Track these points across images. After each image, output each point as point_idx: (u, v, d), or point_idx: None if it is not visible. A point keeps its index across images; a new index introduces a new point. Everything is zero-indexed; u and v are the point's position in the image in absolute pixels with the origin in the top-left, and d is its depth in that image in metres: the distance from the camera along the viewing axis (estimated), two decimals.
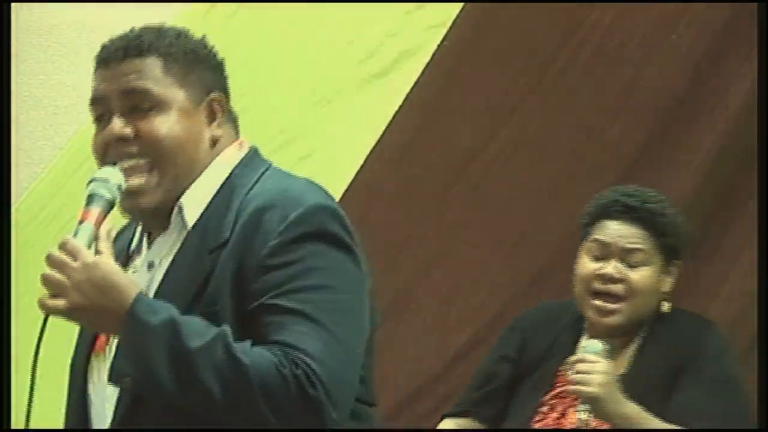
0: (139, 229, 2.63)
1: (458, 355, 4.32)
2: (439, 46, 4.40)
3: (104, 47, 2.55)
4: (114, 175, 2.47)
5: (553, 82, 4.38)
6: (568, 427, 3.39)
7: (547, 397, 3.43)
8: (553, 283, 4.09)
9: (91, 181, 2.47)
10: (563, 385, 3.40)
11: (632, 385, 3.29)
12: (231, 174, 2.56)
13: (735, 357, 3.46)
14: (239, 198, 2.52)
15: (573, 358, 3.32)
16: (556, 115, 4.36)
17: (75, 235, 2.40)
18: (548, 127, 4.36)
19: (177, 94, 2.53)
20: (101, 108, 2.52)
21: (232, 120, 2.61)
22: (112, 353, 2.51)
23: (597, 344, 3.31)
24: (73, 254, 2.36)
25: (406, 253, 4.38)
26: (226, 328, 2.40)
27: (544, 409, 3.42)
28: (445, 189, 4.38)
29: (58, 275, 2.36)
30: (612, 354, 3.38)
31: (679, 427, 3.26)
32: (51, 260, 2.37)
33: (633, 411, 3.25)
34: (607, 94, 4.35)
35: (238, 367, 2.37)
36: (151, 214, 2.54)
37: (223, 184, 2.55)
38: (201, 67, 2.58)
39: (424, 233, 4.41)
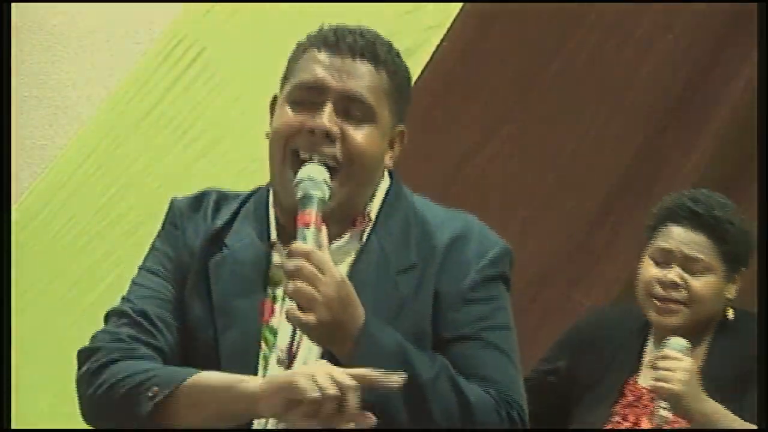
0: (272, 219, 2.51)
1: None
2: (438, 46, 4.35)
3: (334, 33, 2.49)
4: (320, 172, 2.39)
5: (551, 83, 4.33)
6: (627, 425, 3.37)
7: (618, 407, 3.39)
8: (552, 283, 4.09)
9: (299, 182, 2.39)
10: (634, 395, 3.38)
11: (704, 385, 3.25)
12: (386, 195, 2.53)
13: None
14: (410, 220, 2.51)
15: (656, 354, 3.27)
16: (554, 116, 4.32)
17: (304, 240, 2.34)
18: (546, 127, 4.32)
19: (385, 116, 2.47)
20: (312, 94, 2.44)
21: (397, 152, 2.57)
22: (270, 364, 2.44)
23: (681, 341, 3.27)
24: (322, 267, 2.31)
25: None
26: (445, 360, 2.41)
27: (616, 419, 3.38)
28: (443, 188, 4.24)
29: (310, 289, 2.30)
30: None
31: (755, 427, 3.20)
32: (304, 273, 2.30)
33: (714, 409, 3.20)
34: (604, 95, 4.31)
35: (465, 403, 2.38)
36: (332, 214, 2.43)
37: (383, 203, 2.52)
38: (406, 97, 2.54)
39: None
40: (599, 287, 4.14)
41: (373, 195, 2.51)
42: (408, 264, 2.45)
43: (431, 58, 4.34)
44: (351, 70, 2.44)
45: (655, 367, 3.24)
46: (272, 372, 2.42)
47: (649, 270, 3.39)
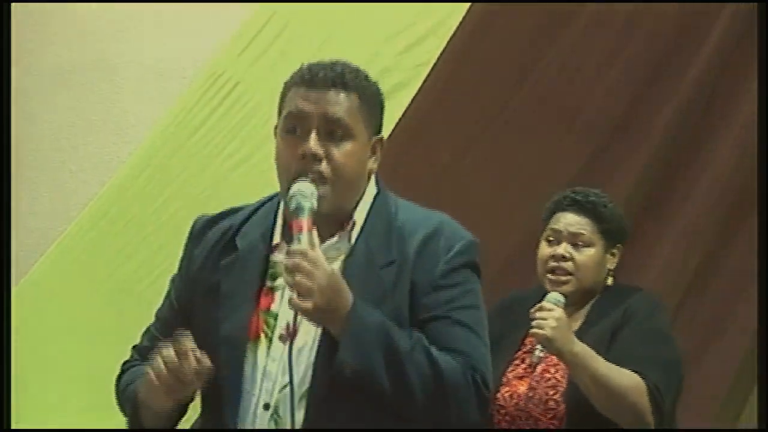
0: (278, 226, 2.58)
1: None
2: (425, 81, 4.45)
3: (310, 71, 2.55)
4: (311, 188, 2.46)
5: (517, 107, 4.42)
6: (535, 374, 3.38)
7: (519, 353, 3.44)
8: (517, 271, 4.09)
9: (292, 196, 2.47)
10: (531, 346, 3.42)
11: (584, 337, 3.31)
12: (374, 201, 2.59)
13: (666, 316, 3.49)
14: (391, 222, 2.55)
15: (533, 308, 3.33)
16: (517, 136, 4.40)
17: (299, 242, 2.41)
18: (512, 144, 4.40)
19: (362, 130, 2.54)
20: (298, 123, 2.51)
21: (378, 158, 2.64)
22: (273, 344, 2.49)
23: (556, 295, 3.38)
24: (315, 263, 2.38)
25: None
26: (421, 335, 2.46)
27: (516, 361, 3.43)
28: (429, 196, 3.93)
29: (307, 281, 2.37)
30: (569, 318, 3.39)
31: (614, 366, 3.23)
32: (301, 268, 2.37)
33: (581, 350, 3.24)
34: (559, 118, 4.40)
35: (437, 370, 2.43)
36: (321, 220, 2.49)
37: (371, 209, 2.57)
38: (379, 110, 2.62)
39: None
40: None
41: (359, 200, 2.55)
42: (389, 260, 2.49)
43: (419, 90, 4.41)
44: (327, 98, 2.50)
45: (532, 318, 3.29)
46: (275, 347, 2.48)
47: (544, 249, 3.48)
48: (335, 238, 2.55)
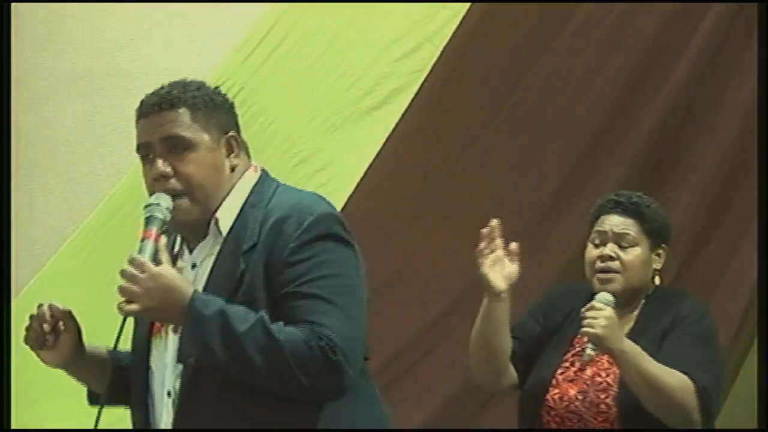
0: (179, 239, 2.68)
1: (435, 321, 4.37)
2: (421, 86, 4.48)
3: (142, 103, 2.64)
4: (165, 199, 2.55)
5: (508, 114, 4.44)
6: (584, 376, 3.35)
7: (568, 355, 3.41)
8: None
9: (147, 206, 2.55)
10: (581, 346, 3.37)
11: (635, 339, 3.28)
12: (251, 192, 2.62)
13: (714, 322, 3.44)
14: (261, 210, 2.57)
15: (585, 307, 3.30)
16: (509, 139, 4.43)
17: (140, 251, 2.49)
18: (503, 148, 4.43)
19: (203, 137, 2.58)
20: (146, 151, 2.61)
21: (246, 150, 2.67)
22: (168, 336, 2.59)
23: (606, 295, 3.34)
24: (140, 267, 2.45)
25: (395, 243, 4.41)
26: (264, 314, 2.48)
27: (566, 364, 3.39)
28: (425, 196, 4.43)
29: (131, 286, 2.45)
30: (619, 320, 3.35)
31: (663, 366, 3.22)
32: (124, 274, 2.46)
33: (631, 348, 3.22)
34: (548, 123, 4.42)
35: (275, 343, 2.45)
36: (190, 227, 2.60)
37: (247, 199, 2.61)
38: (218, 112, 2.63)
39: (409, 229, 4.44)
40: (545, 267, 4.18)
41: (226, 196, 2.59)
42: (251, 244, 2.53)
43: (416, 95, 4.43)
44: (160, 122, 2.58)
45: (583, 316, 3.26)
46: (171, 339, 2.58)
47: (591, 251, 3.43)
48: (207, 238, 2.61)
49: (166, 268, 2.48)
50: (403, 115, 4.47)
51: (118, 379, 2.70)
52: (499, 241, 3.31)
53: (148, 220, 2.54)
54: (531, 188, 4.40)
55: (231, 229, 2.59)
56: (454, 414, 4.29)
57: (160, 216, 2.53)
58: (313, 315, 2.49)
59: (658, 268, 3.49)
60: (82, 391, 4.27)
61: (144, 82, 4.78)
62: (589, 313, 3.26)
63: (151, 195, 2.61)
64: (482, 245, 3.30)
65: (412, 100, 4.47)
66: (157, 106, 2.60)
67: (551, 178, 4.37)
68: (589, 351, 3.29)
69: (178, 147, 2.57)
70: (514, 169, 4.43)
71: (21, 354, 4.23)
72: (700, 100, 4.32)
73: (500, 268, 3.29)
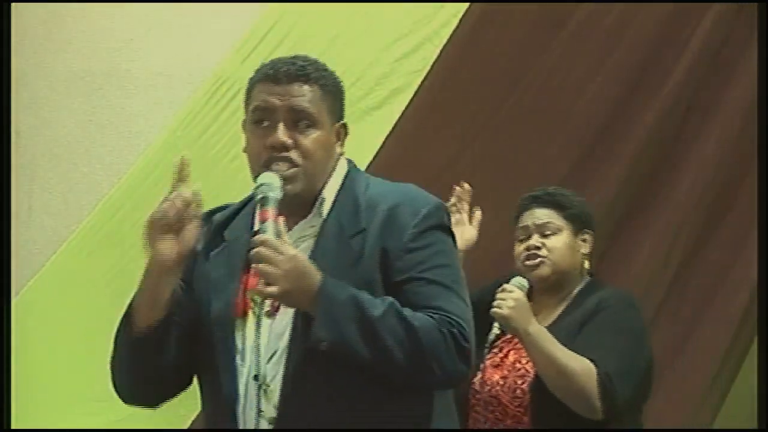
0: (257, 215, 2.54)
1: None
2: (420, 86, 4.49)
3: (273, 66, 2.60)
4: (276, 179, 2.51)
5: (508, 113, 4.45)
6: (507, 362, 3.39)
7: (499, 341, 3.44)
8: (507, 268, 3.92)
9: (258, 186, 2.50)
10: (510, 335, 3.40)
11: (556, 330, 3.33)
12: (345, 179, 2.62)
13: (638, 316, 3.43)
14: (360, 197, 2.57)
15: (498, 289, 3.35)
16: (509, 138, 4.45)
17: (264, 232, 2.44)
18: (503, 147, 4.44)
19: (325, 118, 2.58)
20: (266, 115, 2.56)
21: (344, 141, 2.67)
22: (261, 319, 2.51)
23: (520, 279, 3.40)
24: (277, 249, 2.41)
25: None
26: (393, 299, 2.46)
27: (495, 350, 3.43)
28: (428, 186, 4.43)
29: (269, 268, 2.40)
30: (546, 311, 3.44)
31: (568, 351, 3.24)
32: (262, 256, 2.41)
33: (537, 330, 3.27)
34: (548, 122, 4.43)
35: (411, 329, 2.43)
36: (294, 203, 2.54)
37: (342, 185, 2.60)
38: (340, 98, 2.64)
39: None
40: None
41: (328, 179, 2.59)
42: (358, 229, 2.52)
43: (415, 95, 4.45)
44: (290, 91, 2.55)
45: (493, 297, 3.31)
46: (263, 322, 2.51)
47: (518, 247, 3.50)
48: (309, 217, 2.59)
49: (298, 251, 2.45)
50: (403, 114, 4.49)
51: (169, 333, 2.58)
52: (466, 205, 3.43)
53: (264, 201, 2.49)
54: (531, 188, 4.16)
55: (330, 212, 2.58)
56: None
57: (274, 195, 2.49)
58: (440, 301, 2.48)
59: (586, 252, 3.52)
60: (82, 391, 4.38)
61: (144, 82, 5.08)
62: (499, 295, 3.32)
63: (255, 164, 2.57)
64: (451, 201, 3.38)
65: (412, 100, 4.49)
66: (293, 76, 2.57)
67: (551, 177, 4.25)
68: (495, 331, 3.35)
69: (303, 122, 2.56)
70: (513, 168, 4.42)
71: (21, 354, 4.42)
72: (700, 100, 4.33)
73: (461, 232, 3.34)
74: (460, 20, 4.47)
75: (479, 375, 3.39)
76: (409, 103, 4.48)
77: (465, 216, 3.42)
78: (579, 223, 3.52)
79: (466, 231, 3.42)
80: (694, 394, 4.13)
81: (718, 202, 4.28)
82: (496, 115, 4.45)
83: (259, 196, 2.50)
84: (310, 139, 2.56)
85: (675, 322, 4.21)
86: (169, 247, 2.49)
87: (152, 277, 2.53)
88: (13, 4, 4.89)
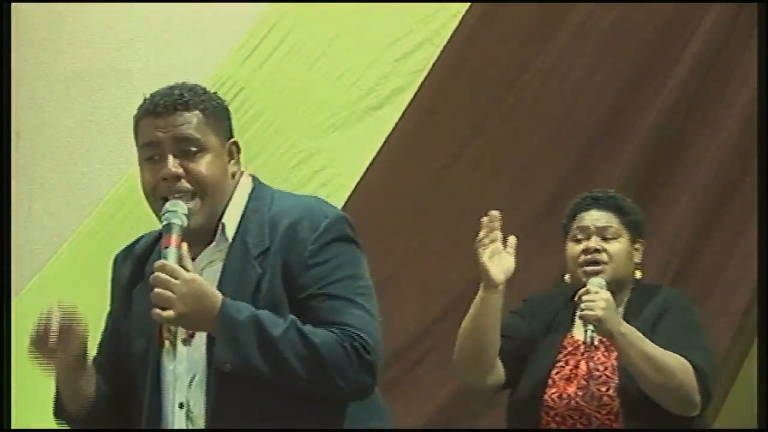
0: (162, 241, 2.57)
1: (435, 321, 4.37)
2: (421, 86, 4.49)
3: (152, 101, 2.60)
4: (181, 206, 2.52)
5: (506, 114, 4.44)
6: (580, 373, 3.34)
7: (561, 355, 3.40)
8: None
9: (164, 213, 2.51)
10: (572, 345, 3.38)
11: None
12: (249, 197, 2.62)
13: (698, 309, 3.46)
14: (265, 214, 2.57)
15: (580, 292, 3.29)
16: (508, 138, 4.44)
17: (165, 258, 2.45)
18: (502, 147, 4.44)
19: (213, 140, 2.58)
20: (154, 150, 2.57)
21: (238, 159, 2.67)
22: (177, 348, 2.56)
23: (599, 279, 3.34)
24: (173, 274, 2.42)
25: (395, 243, 4.42)
26: (294, 318, 2.47)
27: (560, 363, 3.38)
28: (425, 195, 4.44)
29: (165, 292, 2.41)
30: None
31: (661, 348, 3.21)
32: (157, 281, 2.42)
33: (629, 330, 3.22)
34: (547, 123, 4.42)
35: (312, 346, 2.44)
36: (198, 232, 2.56)
37: (247, 205, 2.60)
38: (224, 118, 2.64)
39: (409, 228, 4.46)
40: (544, 267, 4.09)
41: (229, 201, 2.59)
42: (262, 248, 2.53)
43: (415, 95, 4.46)
44: (172, 122, 2.55)
45: (579, 300, 3.25)
46: (180, 351, 2.56)
47: (574, 247, 3.44)
48: (214, 242, 2.59)
49: (196, 275, 2.46)
50: (403, 114, 4.48)
51: (100, 402, 2.67)
52: (498, 233, 3.30)
53: (168, 228, 2.50)
54: (530, 188, 4.39)
55: (236, 234, 2.58)
56: (454, 414, 4.29)
57: (179, 222, 2.50)
58: (341, 316, 2.49)
59: (638, 261, 3.49)
60: None
61: (144, 82, 4.94)
62: (585, 297, 3.25)
63: (151, 198, 2.59)
64: (482, 234, 3.29)
65: (412, 100, 4.49)
66: (171, 107, 2.57)
67: (550, 177, 4.36)
68: (590, 333, 3.25)
69: (191, 148, 2.56)
70: (513, 168, 4.43)
71: (21, 354, 4.36)
72: (700, 100, 4.31)
73: (499, 261, 3.28)
74: (460, 20, 4.47)
75: (551, 390, 3.34)
76: (410, 103, 4.47)
77: (500, 243, 3.29)
78: (635, 230, 3.49)
79: (504, 260, 3.30)
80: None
81: (718, 202, 4.27)
82: (495, 115, 4.45)
83: (164, 223, 2.51)
84: (202, 164, 2.55)
85: None
86: (57, 360, 2.56)
87: (58, 379, 2.63)
88: (13, 4, 4.89)
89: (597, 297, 3.24)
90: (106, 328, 2.78)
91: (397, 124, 4.47)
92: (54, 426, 4.24)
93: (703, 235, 4.28)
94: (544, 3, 4.43)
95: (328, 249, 2.53)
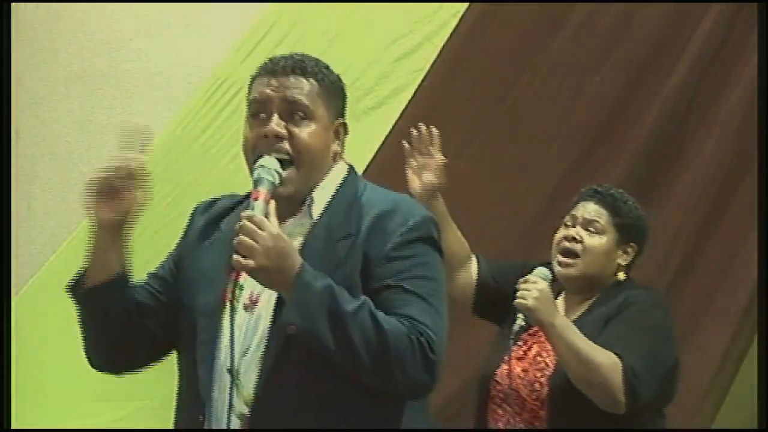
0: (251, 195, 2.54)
1: None
2: (420, 85, 4.49)
3: (272, 61, 2.59)
4: (274, 163, 2.49)
5: (507, 113, 4.45)
6: (530, 355, 3.36)
7: (526, 334, 3.40)
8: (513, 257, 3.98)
9: (255, 168, 2.48)
10: (535, 329, 3.36)
11: (583, 325, 3.28)
12: (342, 182, 2.59)
13: (666, 315, 3.39)
14: (354, 201, 2.55)
15: (520, 280, 3.31)
16: (508, 137, 4.44)
17: (253, 209, 2.41)
18: (502, 146, 4.45)
19: (322, 112, 2.55)
20: (262, 107, 2.55)
21: (343, 141, 2.64)
22: (237, 312, 2.50)
23: (543, 270, 3.35)
24: (260, 225, 2.38)
25: None
26: (368, 298, 2.44)
27: (520, 342, 3.39)
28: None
29: (250, 241, 2.37)
30: (571, 308, 3.42)
31: (593, 344, 3.19)
32: (244, 229, 2.37)
33: (561, 322, 3.23)
34: (547, 123, 4.42)
35: (380, 330, 2.40)
36: (287, 200, 2.53)
37: (338, 189, 2.58)
38: (339, 96, 2.62)
39: None
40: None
41: (323, 178, 2.57)
42: (346, 233, 2.51)
43: (414, 95, 4.46)
44: (286, 83, 2.53)
45: (517, 288, 3.27)
46: (240, 316, 2.50)
47: (560, 232, 3.47)
48: (298, 216, 2.57)
49: (281, 232, 2.41)
50: (403, 114, 4.47)
51: (123, 290, 2.60)
52: (433, 150, 3.53)
53: (258, 182, 2.47)
54: (530, 187, 4.39)
55: (322, 214, 2.56)
56: (455, 412, 4.25)
57: (270, 178, 2.47)
58: (412, 310, 2.45)
59: (623, 263, 3.46)
60: (82, 391, 4.40)
61: (143, 82, 5.11)
62: (523, 286, 3.28)
63: (249, 154, 2.55)
64: (410, 147, 3.50)
65: (411, 100, 4.48)
66: (290, 69, 2.56)
67: (550, 176, 4.36)
68: (519, 322, 3.31)
69: (298, 113, 2.54)
70: (513, 167, 4.43)
71: (21, 354, 4.45)
72: (700, 99, 4.31)
73: (418, 175, 3.51)
74: (460, 20, 4.47)
75: (504, 367, 3.37)
76: (409, 103, 4.47)
77: (429, 160, 3.52)
78: (625, 233, 3.46)
79: (425, 175, 3.52)
80: (694, 394, 4.10)
81: (718, 202, 4.26)
82: (495, 114, 4.45)
83: (255, 177, 2.49)
84: (305, 131, 2.54)
85: (674, 323, 4.13)
86: (103, 210, 2.52)
87: (92, 239, 2.55)
88: (13, 4, 4.91)
89: (532, 286, 3.26)
90: (163, 265, 2.72)
91: (396, 124, 4.46)
92: (54, 426, 4.37)
93: (702, 235, 4.28)
94: (544, 3, 4.43)
95: (412, 246, 2.51)
